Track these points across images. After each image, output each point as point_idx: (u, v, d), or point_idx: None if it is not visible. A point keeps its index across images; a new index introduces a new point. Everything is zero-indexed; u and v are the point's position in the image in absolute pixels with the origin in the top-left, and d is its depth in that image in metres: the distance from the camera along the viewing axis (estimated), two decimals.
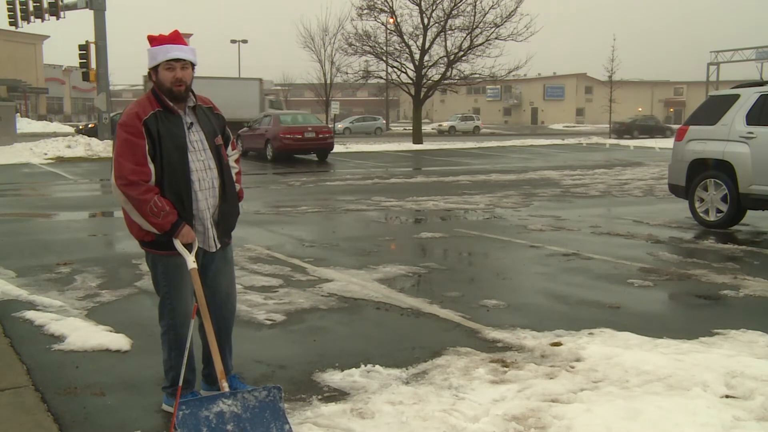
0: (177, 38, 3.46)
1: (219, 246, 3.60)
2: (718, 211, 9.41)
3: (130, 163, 3.31)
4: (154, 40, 3.46)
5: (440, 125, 57.64)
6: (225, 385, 3.23)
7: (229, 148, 3.76)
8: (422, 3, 31.77)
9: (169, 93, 3.42)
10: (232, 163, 3.74)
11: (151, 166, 3.34)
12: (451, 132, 54.16)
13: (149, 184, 3.33)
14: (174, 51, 3.40)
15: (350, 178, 17.84)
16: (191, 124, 3.50)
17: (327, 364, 4.30)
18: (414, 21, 32.51)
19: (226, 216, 3.63)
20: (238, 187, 3.76)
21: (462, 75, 33.01)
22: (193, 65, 3.49)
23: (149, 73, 3.49)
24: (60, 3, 28.49)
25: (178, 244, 3.38)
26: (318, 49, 42.36)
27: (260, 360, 4.43)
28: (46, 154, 24.26)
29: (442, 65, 32.82)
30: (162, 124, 3.38)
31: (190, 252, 3.40)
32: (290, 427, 3.17)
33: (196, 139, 3.49)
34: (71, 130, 41.12)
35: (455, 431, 3.33)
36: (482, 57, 32.35)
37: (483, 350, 4.53)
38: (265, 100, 37.25)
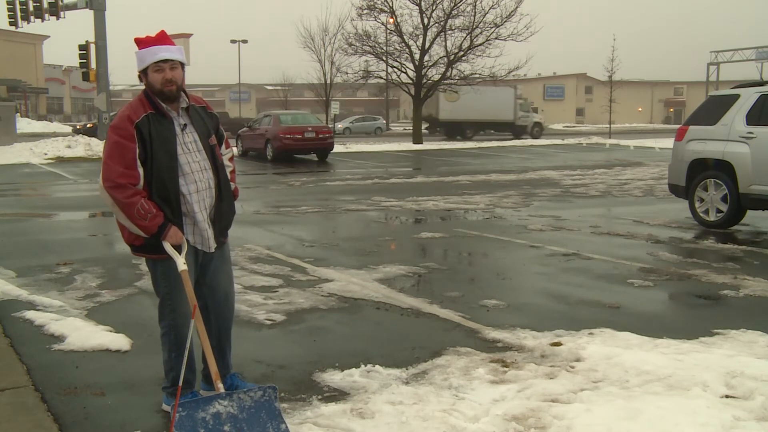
0: (163, 39, 3.43)
1: (216, 245, 3.60)
2: (718, 211, 9.41)
3: (120, 166, 3.30)
4: (141, 43, 3.45)
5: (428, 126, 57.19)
6: (220, 386, 3.22)
7: (223, 146, 3.76)
8: (422, 3, 31.77)
9: (161, 94, 3.40)
10: (226, 161, 3.73)
11: (140, 170, 3.33)
12: (441, 132, 53.81)
13: (136, 188, 3.32)
14: (161, 52, 3.38)
15: (350, 178, 17.83)
16: (185, 125, 3.49)
17: (327, 364, 4.30)
18: (414, 21, 32.54)
19: (223, 215, 3.63)
20: (232, 185, 3.76)
21: (462, 75, 32.94)
22: (183, 64, 3.47)
23: (139, 76, 3.47)
24: (60, 3, 28.49)
25: (167, 246, 3.37)
26: (318, 49, 42.29)
27: (260, 360, 4.43)
28: (46, 154, 24.26)
29: (442, 65, 32.80)
30: (153, 128, 3.37)
31: (180, 253, 3.39)
32: (286, 427, 3.16)
33: (191, 141, 3.49)
34: (71, 130, 41.14)
35: (455, 431, 3.34)
36: (482, 57, 32.36)
37: (483, 350, 4.53)
38: (516, 102, 43.43)
